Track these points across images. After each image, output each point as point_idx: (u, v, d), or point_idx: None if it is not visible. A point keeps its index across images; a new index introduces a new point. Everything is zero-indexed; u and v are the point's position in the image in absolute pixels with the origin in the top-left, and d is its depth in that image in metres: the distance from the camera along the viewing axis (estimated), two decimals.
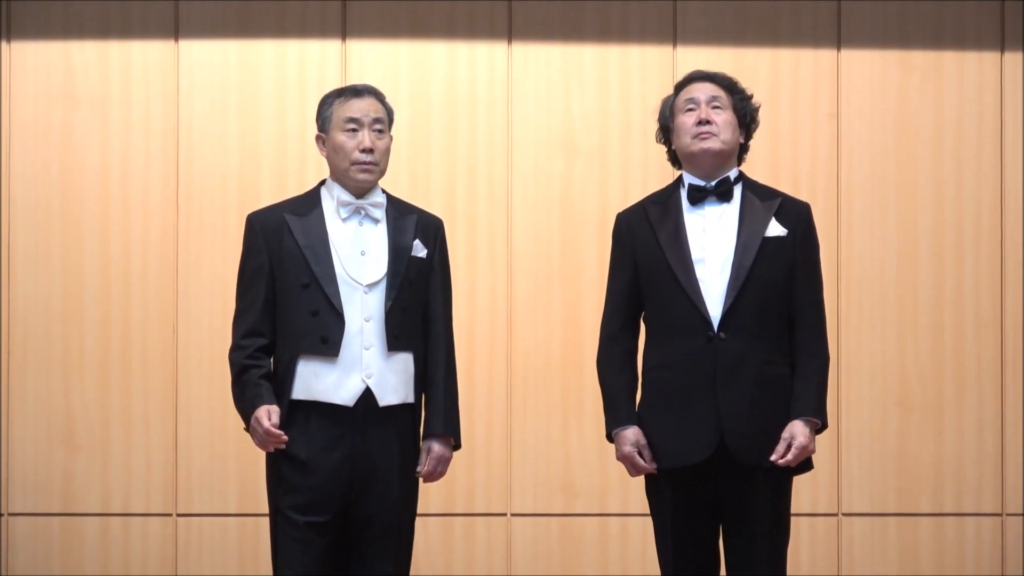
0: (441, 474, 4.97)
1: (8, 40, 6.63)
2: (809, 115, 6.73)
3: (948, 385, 6.72)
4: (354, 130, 4.92)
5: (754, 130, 5.00)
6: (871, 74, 6.75)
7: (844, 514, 6.69)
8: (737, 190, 4.90)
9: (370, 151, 4.90)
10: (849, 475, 6.69)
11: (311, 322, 4.82)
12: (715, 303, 4.77)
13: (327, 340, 4.82)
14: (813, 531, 6.67)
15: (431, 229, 5.05)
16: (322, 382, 4.79)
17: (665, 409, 4.81)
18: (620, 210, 5.28)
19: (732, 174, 4.91)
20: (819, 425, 4.78)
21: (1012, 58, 6.75)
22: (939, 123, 6.76)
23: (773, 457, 4.71)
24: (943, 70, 6.75)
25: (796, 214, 4.89)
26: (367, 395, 4.83)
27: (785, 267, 4.82)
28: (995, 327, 6.73)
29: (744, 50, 6.71)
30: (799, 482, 6.30)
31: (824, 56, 6.74)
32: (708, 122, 4.89)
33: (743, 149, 5.00)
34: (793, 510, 6.12)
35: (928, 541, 6.71)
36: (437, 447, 4.94)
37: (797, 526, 6.36)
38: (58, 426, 6.59)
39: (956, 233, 6.74)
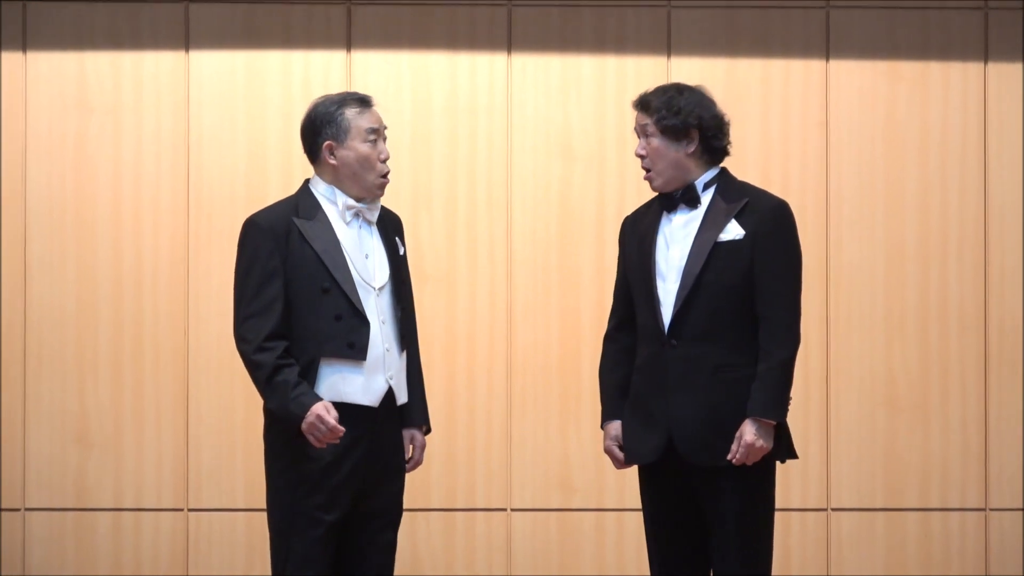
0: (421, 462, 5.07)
1: (24, 50, 6.64)
2: (799, 123, 6.72)
3: (933, 385, 6.72)
4: (374, 140, 4.89)
5: (711, 124, 4.81)
6: (859, 84, 6.74)
7: (833, 509, 6.70)
8: (708, 195, 4.84)
9: (386, 161, 4.91)
10: (838, 472, 6.70)
11: (335, 326, 4.79)
12: (668, 310, 4.77)
13: (354, 344, 4.80)
14: (803, 525, 6.68)
15: (399, 225, 5.08)
16: (350, 384, 4.79)
17: (633, 409, 4.87)
18: (616, 214, 5.34)
19: (703, 179, 4.84)
20: (773, 424, 4.73)
21: (995, 68, 6.73)
22: (925, 131, 6.74)
23: (728, 456, 4.70)
24: (929, 80, 6.74)
25: (760, 214, 4.79)
26: (388, 394, 4.87)
27: (741, 270, 4.75)
28: (979, 329, 6.72)
29: (736, 60, 6.71)
30: (790, 478, 6.47)
31: (814, 66, 6.73)
32: (643, 157, 4.85)
33: (713, 149, 4.84)
34: (784, 505, 6.21)
35: (914, 535, 6.72)
36: (419, 437, 5.01)
37: (788, 520, 6.57)
38: (73, 425, 6.61)
39: (941, 238, 6.73)
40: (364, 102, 4.92)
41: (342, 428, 4.74)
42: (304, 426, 4.73)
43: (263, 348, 4.78)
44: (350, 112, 4.88)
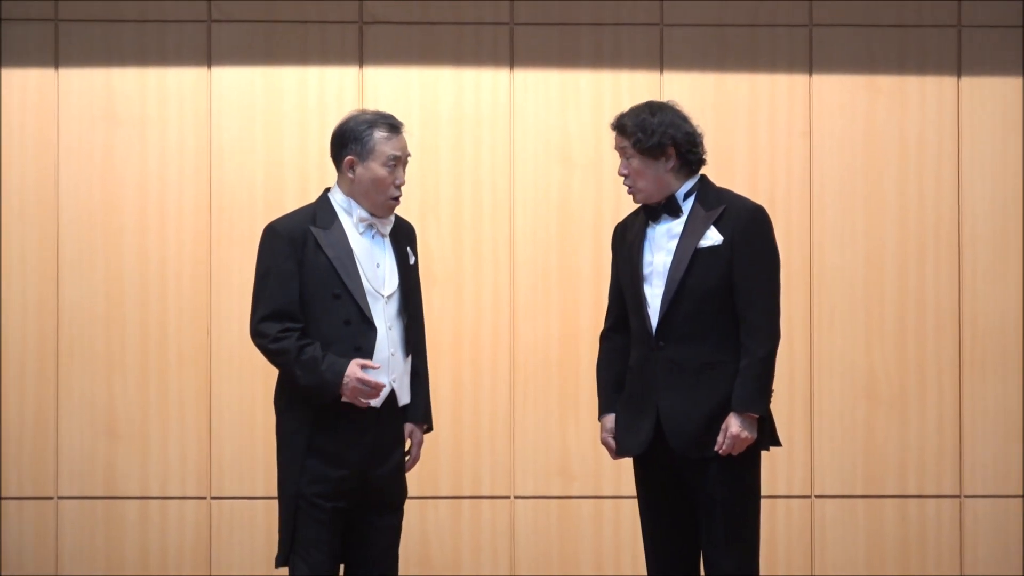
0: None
1: (56, 67, 6.68)
2: (784, 134, 6.78)
3: (911, 380, 6.78)
4: (394, 166, 4.93)
5: (684, 141, 4.85)
6: (840, 97, 6.80)
7: (817, 496, 6.77)
8: (688, 203, 4.91)
9: (401, 187, 4.97)
10: (821, 461, 6.77)
11: (343, 330, 4.86)
12: (655, 314, 4.87)
13: (360, 348, 4.88)
14: (788, 511, 6.75)
15: (412, 235, 5.13)
16: None
17: (625, 406, 5.00)
18: (612, 218, 5.30)
19: (683, 189, 4.91)
20: (756, 416, 4.84)
21: (968, 82, 6.81)
22: (902, 141, 6.80)
23: (715, 447, 4.82)
24: (906, 93, 6.80)
25: (736, 219, 4.86)
26: (391, 396, 4.95)
27: (720, 274, 4.84)
28: (953, 327, 6.80)
29: (724, 75, 6.77)
30: (776, 467, 6.54)
31: (797, 80, 6.80)
32: (625, 176, 4.92)
33: (690, 162, 4.90)
34: (770, 492, 6.32)
35: (893, 520, 6.80)
36: (418, 433, 5.09)
37: (774, 507, 6.63)
38: (102, 418, 6.67)
39: (918, 242, 6.80)
40: (394, 128, 4.97)
41: (383, 382, 4.82)
42: (347, 393, 4.81)
43: (279, 337, 4.86)
44: (378, 135, 4.93)
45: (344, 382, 4.80)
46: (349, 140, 4.96)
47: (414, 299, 5.08)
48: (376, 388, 4.82)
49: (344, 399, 4.86)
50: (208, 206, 6.75)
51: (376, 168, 4.94)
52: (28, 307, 6.71)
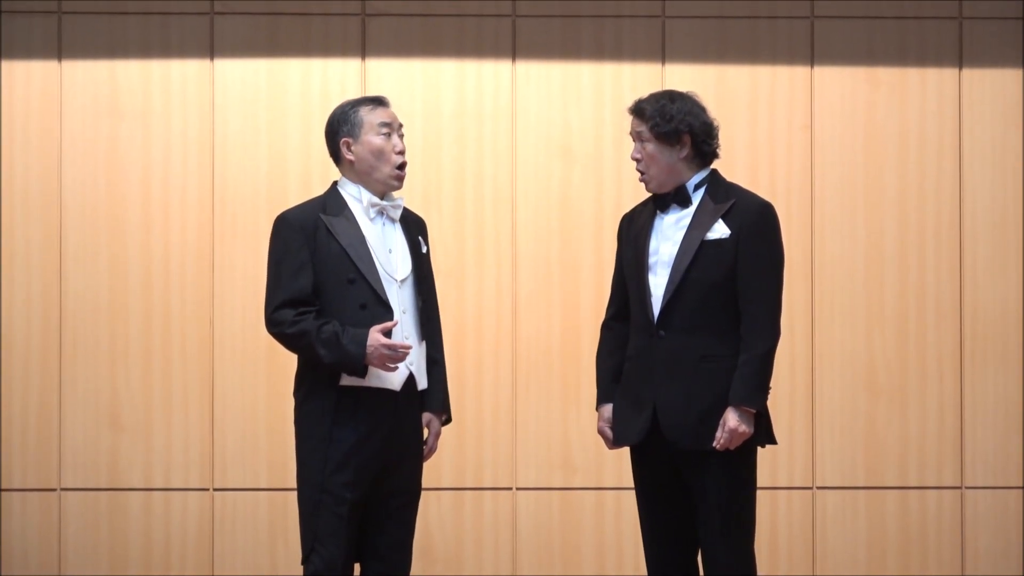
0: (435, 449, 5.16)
1: (60, 59, 6.71)
2: (785, 126, 6.80)
3: (912, 371, 6.80)
4: (388, 134, 4.97)
5: (701, 131, 4.87)
6: (841, 89, 6.82)
7: (818, 487, 6.79)
8: (698, 195, 4.92)
9: (403, 153, 4.99)
10: (822, 452, 6.78)
11: (360, 315, 4.85)
12: (657, 303, 4.87)
13: None
14: (790, 503, 6.77)
15: (423, 226, 5.16)
16: (374, 369, 4.85)
17: (623, 394, 5.01)
18: (613, 211, 5.36)
19: (693, 180, 4.92)
20: (753, 412, 4.82)
21: (969, 74, 6.83)
22: (903, 133, 6.82)
23: (713, 443, 4.80)
24: (907, 85, 6.82)
25: (744, 214, 4.86)
26: (409, 380, 4.95)
27: (725, 267, 4.84)
28: (954, 319, 6.82)
29: (726, 67, 6.79)
30: (778, 459, 6.58)
31: (799, 72, 6.82)
32: (638, 160, 4.93)
33: (703, 153, 4.91)
34: (772, 484, 6.39)
35: (894, 511, 6.82)
36: (436, 424, 5.11)
37: (775, 498, 6.66)
38: (105, 410, 6.69)
39: (919, 234, 6.82)
40: (378, 101, 5.03)
41: (409, 344, 4.84)
42: (374, 361, 4.80)
43: (296, 320, 4.85)
44: (364, 110, 4.99)
45: (368, 352, 4.80)
46: (338, 125, 5.01)
47: (427, 286, 5.10)
48: (403, 349, 4.81)
49: (372, 367, 4.84)
50: (211, 198, 6.76)
51: (370, 139, 4.98)
52: (32, 299, 6.74)
